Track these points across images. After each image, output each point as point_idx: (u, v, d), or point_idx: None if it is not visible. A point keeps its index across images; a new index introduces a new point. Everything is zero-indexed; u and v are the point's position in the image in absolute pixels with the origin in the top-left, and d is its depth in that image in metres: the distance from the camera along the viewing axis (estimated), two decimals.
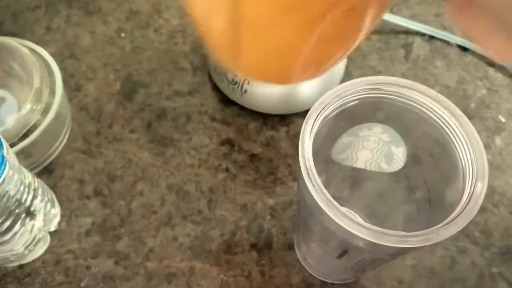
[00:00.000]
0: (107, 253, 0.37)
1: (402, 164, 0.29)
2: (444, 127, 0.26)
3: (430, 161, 0.28)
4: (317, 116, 0.25)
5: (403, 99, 0.26)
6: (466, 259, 0.37)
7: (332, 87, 0.46)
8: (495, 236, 0.38)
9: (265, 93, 0.41)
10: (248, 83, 0.41)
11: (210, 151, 0.42)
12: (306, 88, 0.42)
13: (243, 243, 0.37)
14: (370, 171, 0.31)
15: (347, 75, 0.46)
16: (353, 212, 0.35)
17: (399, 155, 0.29)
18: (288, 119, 0.44)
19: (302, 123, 0.44)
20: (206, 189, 0.40)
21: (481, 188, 0.23)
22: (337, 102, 0.26)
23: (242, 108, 0.44)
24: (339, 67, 0.44)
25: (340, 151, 0.30)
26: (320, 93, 0.43)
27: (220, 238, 0.38)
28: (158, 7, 0.51)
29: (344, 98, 0.26)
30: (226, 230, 0.38)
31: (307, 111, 0.44)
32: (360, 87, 0.26)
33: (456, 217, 0.22)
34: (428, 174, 0.28)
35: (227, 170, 0.41)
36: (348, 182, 0.34)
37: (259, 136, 0.43)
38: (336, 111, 0.26)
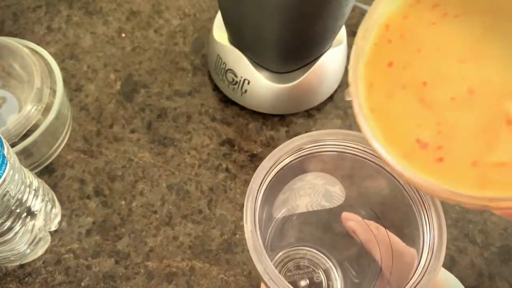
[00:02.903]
0: (107, 253, 0.37)
1: (343, 198, 0.30)
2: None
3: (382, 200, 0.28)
4: (257, 194, 0.24)
5: (340, 151, 0.26)
6: (465, 259, 0.37)
7: (331, 88, 0.46)
8: (494, 236, 0.38)
9: (265, 93, 0.41)
10: (248, 83, 0.41)
11: (210, 151, 0.42)
12: (306, 89, 0.42)
13: (243, 242, 0.37)
14: (320, 211, 0.31)
15: (347, 75, 0.46)
16: (321, 255, 0.35)
17: (337, 192, 0.29)
18: (288, 119, 0.44)
19: (302, 123, 0.44)
20: (206, 189, 0.40)
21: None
22: (274, 170, 0.25)
23: (242, 108, 0.44)
24: (338, 68, 0.44)
25: (279, 208, 0.30)
26: (319, 93, 0.43)
27: (220, 237, 0.38)
28: (158, 7, 0.51)
29: (280, 163, 0.25)
30: (226, 229, 0.38)
31: (307, 111, 0.45)
32: (288, 149, 0.25)
33: None
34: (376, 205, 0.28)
35: (227, 170, 0.41)
36: (308, 227, 0.34)
37: (259, 136, 0.43)
38: (272, 178, 0.26)
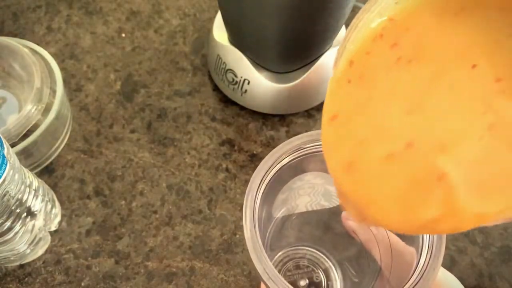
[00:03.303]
0: (107, 253, 0.37)
1: None
2: None
3: None
4: (256, 193, 0.24)
5: None
6: (465, 259, 0.37)
7: None
8: (494, 236, 0.38)
9: (265, 93, 0.41)
10: (248, 83, 0.41)
11: (210, 151, 0.42)
12: (306, 89, 0.42)
13: (243, 242, 0.37)
14: (320, 210, 0.31)
15: None
16: (321, 254, 0.35)
17: None
18: (288, 119, 0.44)
19: (302, 123, 0.44)
20: (206, 189, 0.40)
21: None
22: (274, 169, 0.25)
23: (242, 108, 0.44)
24: None
25: (279, 208, 0.30)
26: (319, 93, 0.43)
27: (220, 237, 0.38)
28: (158, 7, 0.51)
29: (279, 162, 0.25)
30: (226, 229, 0.38)
31: (307, 111, 0.45)
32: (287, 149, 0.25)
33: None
34: None
35: (227, 170, 0.41)
36: (307, 226, 0.34)
37: (259, 136, 0.43)
38: (271, 178, 0.26)
